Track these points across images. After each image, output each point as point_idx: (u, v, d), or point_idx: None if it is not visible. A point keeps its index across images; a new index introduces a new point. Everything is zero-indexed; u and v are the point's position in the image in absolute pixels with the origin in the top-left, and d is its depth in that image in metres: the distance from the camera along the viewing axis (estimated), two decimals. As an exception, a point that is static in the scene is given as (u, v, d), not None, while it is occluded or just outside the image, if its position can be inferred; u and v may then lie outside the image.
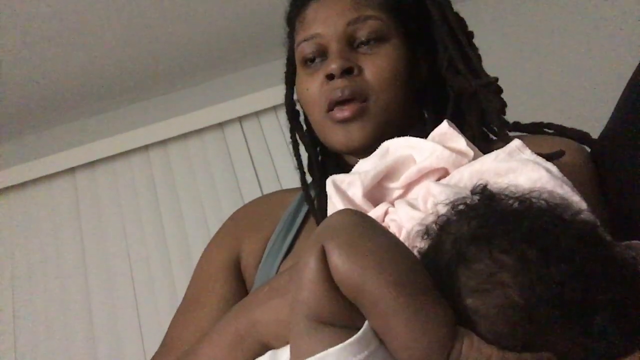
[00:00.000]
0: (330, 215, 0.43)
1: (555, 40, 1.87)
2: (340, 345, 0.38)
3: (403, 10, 0.76)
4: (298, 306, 0.41)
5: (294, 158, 0.86)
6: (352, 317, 0.40)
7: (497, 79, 0.72)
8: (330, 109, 0.73)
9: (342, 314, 0.40)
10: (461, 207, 0.45)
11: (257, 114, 1.90)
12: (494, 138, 0.75)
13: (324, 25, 0.74)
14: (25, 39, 1.58)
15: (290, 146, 0.87)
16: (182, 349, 0.67)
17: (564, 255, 0.39)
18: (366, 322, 0.39)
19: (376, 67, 0.72)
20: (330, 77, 0.72)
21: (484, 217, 0.43)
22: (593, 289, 0.38)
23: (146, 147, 1.89)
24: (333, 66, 0.71)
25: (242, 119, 1.91)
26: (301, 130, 0.86)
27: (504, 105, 0.72)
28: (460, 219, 0.44)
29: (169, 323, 0.78)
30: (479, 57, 0.76)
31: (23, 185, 1.85)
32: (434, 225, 0.45)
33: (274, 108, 1.86)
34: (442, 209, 0.46)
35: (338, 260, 0.39)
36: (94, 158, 1.86)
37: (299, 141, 0.86)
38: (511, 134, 0.71)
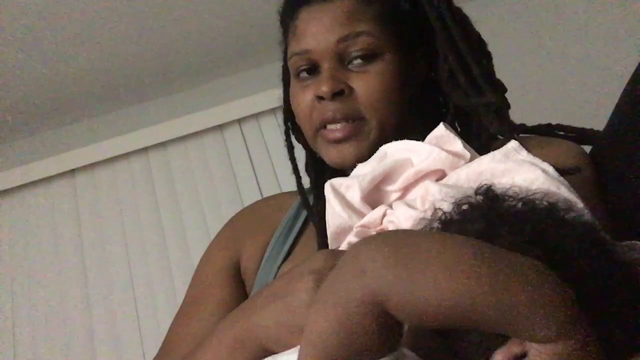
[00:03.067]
0: (360, 249, 0.37)
1: (555, 40, 1.87)
2: None
3: (399, 20, 0.74)
4: (332, 347, 0.37)
5: (291, 162, 0.84)
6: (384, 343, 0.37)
7: (500, 100, 0.69)
8: (321, 127, 0.72)
9: (377, 346, 0.37)
10: (465, 206, 0.45)
11: (256, 116, 1.90)
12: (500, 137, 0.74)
13: (314, 40, 0.71)
14: (25, 41, 1.58)
15: (293, 151, 0.86)
16: (181, 353, 0.67)
17: (566, 258, 0.39)
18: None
19: (368, 86, 0.70)
20: (321, 98, 0.70)
21: (487, 218, 0.43)
22: (595, 291, 0.38)
23: (146, 149, 1.89)
24: (324, 89, 0.69)
25: (241, 121, 1.91)
26: (297, 132, 0.83)
27: (504, 119, 0.69)
28: (463, 218, 0.44)
29: (168, 325, 0.78)
30: (484, 65, 0.73)
31: (23, 187, 1.86)
32: (436, 223, 0.45)
33: (273, 110, 1.86)
34: (446, 207, 0.46)
35: (409, 301, 0.34)
36: (93, 160, 1.86)
37: (295, 143, 0.85)
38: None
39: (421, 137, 0.60)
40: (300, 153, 0.85)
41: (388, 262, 0.35)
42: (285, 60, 0.82)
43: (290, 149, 0.84)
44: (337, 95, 0.69)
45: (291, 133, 0.85)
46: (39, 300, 1.72)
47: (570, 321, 0.33)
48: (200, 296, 0.77)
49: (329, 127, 0.71)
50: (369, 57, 0.70)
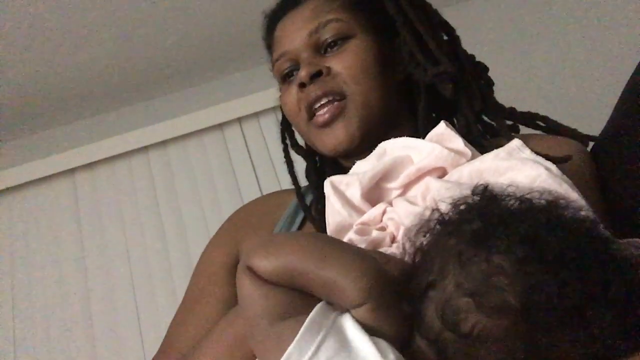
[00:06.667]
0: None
1: (555, 40, 1.87)
2: (295, 339, 0.41)
3: (365, 7, 0.77)
4: (254, 320, 0.45)
5: (287, 165, 0.87)
6: (305, 304, 0.44)
7: (452, 69, 0.70)
8: (311, 116, 0.74)
9: (294, 303, 0.44)
10: (462, 206, 0.45)
11: (256, 114, 1.90)
12: (493, 123, 0.75)
13: (289, 41, 0.76)
14: (25, 39, 1.58)
15: (289, 149, 0.88)
16: (181, 351, 0.67)
17: (563, 258, 0.39)
18: (314, 309, 0.43)
19: (344, 62, 0.72)
20: (302, 85, 0.73)
21: (484, 218, 0.43)
22: (592, 292, 0.38)
23: (146, 148, 1.89)
24: (302, 74, 0.73)
25: (241, 119, 1.91)
26: (296, 146, 0.87)
27: (479, 93, 0.72)
28: (460, 218, 0.44)
29: (168, 323, 0.78)
30: (446, 43, 0.76)
31: (23, 186, 1.85)
32: (434, 222, 0.45)
33: (274, 109, 1.85)
34: (443, 207, 0.46)
35: (262, 263, 0.45)
36: (93, 159, 1.86)
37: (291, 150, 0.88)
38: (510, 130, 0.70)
39: (413, 128, 0.61)
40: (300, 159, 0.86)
41: (251, 247, 0.49)
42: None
43: (290, 163, 0.87)
44: (315, 77, 0.72)
45: (290, 147, 0.88)
46: (39, 299, 1.72)
47: (368, 290, 0.43)
48: (200, 293, 0.77)
49: (317, 113, 0.73)
50: (342, 39, 0.74)
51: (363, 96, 0.72)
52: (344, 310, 0.44)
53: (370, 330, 0.42)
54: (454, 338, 0.40)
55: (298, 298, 0.44)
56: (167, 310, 1.60)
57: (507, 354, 0.38)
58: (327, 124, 0.72)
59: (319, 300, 0.44)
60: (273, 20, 0.81)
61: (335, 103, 0.72)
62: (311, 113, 0.74)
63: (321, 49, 0.74)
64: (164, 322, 0.79)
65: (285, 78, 0.78)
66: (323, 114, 0.72)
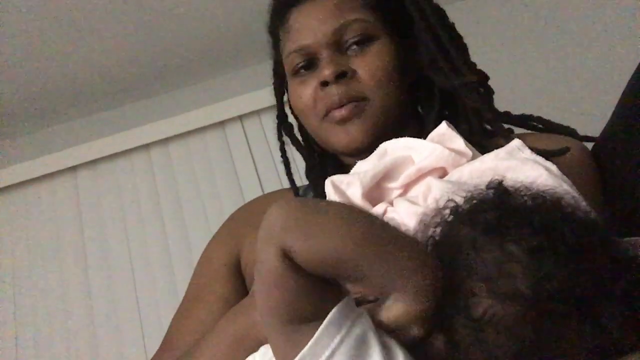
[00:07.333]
0: (269, 213, 0.41)
1: (555, 40, 1.87)
2: (309, 343, 0.38)
3: (386, 8, 0.76)
4: (271, 312, 0.41)
5: (284, 165, 0.88)
6: (326, 306, 0.40)
7: (476, 79, 0.72)
8: (326, 113, 0.73)
9: (317, 306, 0.40)
10: (476, 199, 0.46)
11: (258, 112, 1.90)
12: (491, 128, 0.76)
13: (310, 35, 0.73)
14: (25, 38, 1.58)
15: (290, 145, 0.88)
16: (182, 349, 0.68)
17: (574, 251, 0.39)
18: (331, 312, 0.39)
19: (369, 66, 0.72)
20: (324, 83, 0.72)
21: (498, 210, 0.43)
22: (601, 285, 0.39)
23: (147, 146, 1.89)
24: (326, 72, 0.71)
25: (243, 117, 1.91)
26: (297, 143, 0.87)
27: (486, 102, 0.72)
28: (474, 209, 0.45)
29: (169, 321, 0.78)
30: (461, 52, 0.75)
31: (24, 183, 1.86)
32: (448, 213, 0.46)
33: (275, 106, 1.85)
34: (458, 200, 0.46)
35: (302, 247, 0.39)
36: (95, 157, 1.86)
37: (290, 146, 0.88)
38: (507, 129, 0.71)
39: (419, 130, 0.61)
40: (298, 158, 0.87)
41: (290, 220, 0.40)
42: (275, 72, 0.84)
43: (287, 162, 0.88)
44: (340, 77, 0.71)
45: (292, 144, 0.88)
46: (41, 296, 1.73)
47: (427, 299, 0.39)
48: (201, 292, 0.78)
49: (334, 110, 0.72)
50: (365, 41, 0.73)
51: (383, 99, 0.72)
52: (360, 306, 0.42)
53: (401, 329, 0.40)
54: (464, 322, 0.40)
55: (327, 297, 0.40)
56: (168, 308, 1.60)
57: (516, 341, 0.38)
58: (344, 121, 0.72)
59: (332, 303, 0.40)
60: (284, 6, 0.78)
61: (355, 103, 0.71)
62: (328, 111, 0.73)
63: (343, 47, 0.73)
64: (165, 319, 0.80)
65: (296, 72, 0.77)
66: (340, 111, 0.72)
